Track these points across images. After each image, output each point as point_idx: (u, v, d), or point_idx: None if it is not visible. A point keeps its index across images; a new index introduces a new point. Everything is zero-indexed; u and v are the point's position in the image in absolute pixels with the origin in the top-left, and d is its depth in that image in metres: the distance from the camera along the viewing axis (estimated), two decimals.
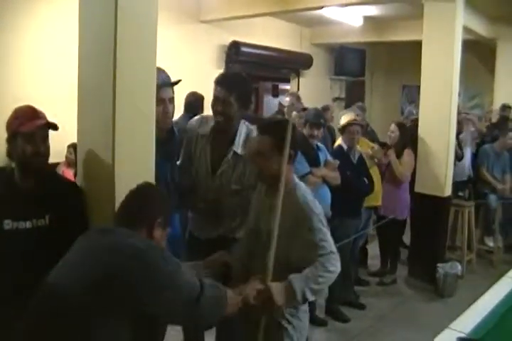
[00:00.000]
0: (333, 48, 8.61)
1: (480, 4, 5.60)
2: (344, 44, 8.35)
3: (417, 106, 5.50)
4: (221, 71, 6.01)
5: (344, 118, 4.15)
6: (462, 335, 1.98)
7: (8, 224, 1.90)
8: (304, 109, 4.49)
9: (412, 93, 8.99)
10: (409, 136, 4.78)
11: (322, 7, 5.39)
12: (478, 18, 6.10)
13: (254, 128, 2.52)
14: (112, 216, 1.98)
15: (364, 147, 4.53)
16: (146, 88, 2.13)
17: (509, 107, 6.49)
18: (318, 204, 2.10)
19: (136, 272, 1.51)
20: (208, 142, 2.62)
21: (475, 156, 5.84)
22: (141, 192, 1.82)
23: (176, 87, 2.48)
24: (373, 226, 4.95)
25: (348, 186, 3.85)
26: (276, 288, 1.86)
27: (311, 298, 1.91)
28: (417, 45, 4.94)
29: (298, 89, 8.11)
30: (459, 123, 5.21)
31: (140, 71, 2.09)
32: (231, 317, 1.86)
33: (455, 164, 5.09)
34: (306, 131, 3.76)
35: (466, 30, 5.33)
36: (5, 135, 1.95)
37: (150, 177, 2.15)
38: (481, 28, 6.28)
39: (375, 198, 4.58)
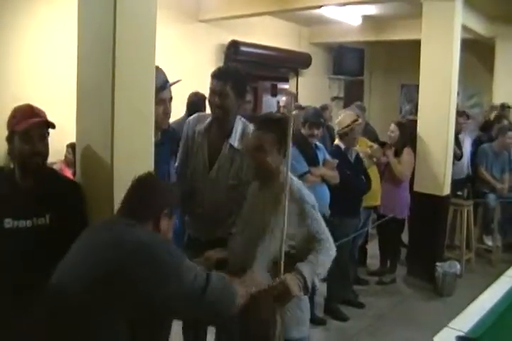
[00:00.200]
0: (332, 47, 8.60)
1: (479, 3, 5.60)
2: (343, 43, 8.34)
3: (415, 106, 5.53)
4: None
5: (343, 121, 4.12)
6: (461, 334, 1.98)
7: (8, 222, 1.90)
8: (302, 108, 4.49)
9: (410, 92, 8.99)
10: (408, 135, 4.78)
11: (321, 6, 5.40)
12: (476, 17, 6.10)
13: (250, 124, 2.56)
14: (111, 215, 1.98)
15: (363, 146, 4.53)
16: (145, 88, 2.13)
17: (508, 107, 6.49)
18: (312, 196, 2.16)
19: (140, 265, 1.50)
20: (205, 138, 2.63)
21: (474, 155, 5.85)
22: (144, 183, 1.78)
23: (174, 87, 2.49)
24: (373, 225, 4.96)
25: (347, 185, 3.86)
26: (291, 279, 1.88)
27: (317, 283, 1.97)
28: (415, 44, 4.94)
29: (297, 88, 8.11)
30: (458, 123, 5.22)
31: (139, 71, 2.09)
32: (231, 318, 1.86)
33: (454, 163, 5.10)
34: (305, 131, 3.77)
35: (465, 29, 5.34)
36: (5, 134, 1.95)
37: None
38: (479, 27, 6.29)
39: (374, 198, 4.58)
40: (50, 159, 2.05)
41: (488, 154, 5.68)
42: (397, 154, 4.71)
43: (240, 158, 2.54)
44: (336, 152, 4.08)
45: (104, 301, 1.48)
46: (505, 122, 6.05)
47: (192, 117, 2.80)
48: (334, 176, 3.74)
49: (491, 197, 5.51)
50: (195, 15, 6.26)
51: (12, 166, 2.01)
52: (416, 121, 5.03)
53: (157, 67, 2.23)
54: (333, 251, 2.05)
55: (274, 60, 7.39)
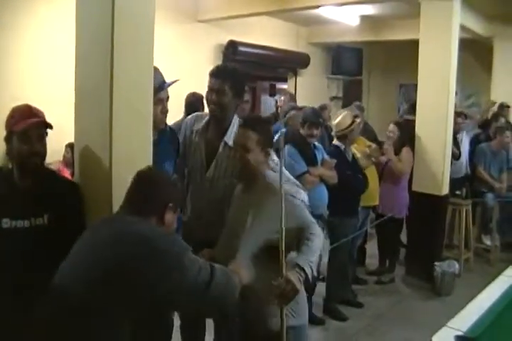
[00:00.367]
0: (330, 47, 8.61)
1: (476, 3, 5.61)
2: (341, 43, 8.35)
3: (411, 106, 5.53)
4: None
5: (343, 122, 4.11)
6: (460, 333, 1.98)
7: (6, 222, 1.90)
8: (299, 109, 4.48)
9: (409, 92, 8.99)
10: (407, 135, 4.78)
11: (319, 6, 5.40)
12: (474, 17, 6.11)
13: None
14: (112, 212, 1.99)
15: (361, 146, 4.53)
16: (144, 88, 2.13)
17: (507, 106, 6.50)
18: (293, 187, 2.26)
19: (141, 258, 1.50)
20: (202, 137, 2.64)
21: (472, 154, 5.85)
22: (147, 178, 1.78)
23: (172, 87, 2.49)
24: (371, 224, 4.96)
25: (347, 184, 3.87)
26: (294, 276, 1.91)
27: (314, 272, 2.01)
28: (414, 44, 4.95)
29: (295, 88, 8.11)
30: (456, 123, 5.22)
31: (137, 71, 2.09)
32: (230, 317, 1.86)
33: (452, 163, 5.10)
34: (304, 131, 3.77)
35: (463, 28, 5.34)
36: (4, 134, 1.95)
37: None
38: (477, 26, 6.29)
39: (373, 198, 4.59)
40: (49, 159, 2.04)
41: (487, 153, 5.68)
42: (396, 154, 4.70)
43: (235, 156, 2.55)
44: (334, 152, 4.09)
45: (104, 301, 1.48)
46: (503, 120, 6.06)
47: (189, 117, 2.81)
48: (332, 176, 3.74)
49: (490, 197, 5.51)
50: (193, 16, 6.26)
51: (10, 166, 2.01)
52: (413, 121, 5.04)
53: (154, 67, 2.23)
54: (320, 232, 2.11)
55: (273, 60, 7.39)
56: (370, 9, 6.58)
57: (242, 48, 6.61)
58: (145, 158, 2.15)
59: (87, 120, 2.19)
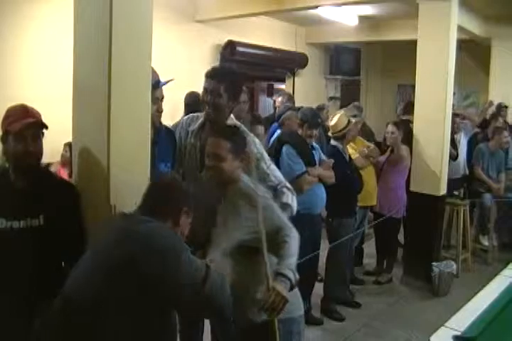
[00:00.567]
0: (329, 48, 8.60)
1: (475, 3, 5.62)
2: (339, 43, 8.35)
3: (406, 106, 5.53)
4: None
5: (340, 123, 4.12)
6: (458, 333, 1.98)
7: (1, 223, 1.89)
8: (296, 109, 4.48)
9: (407, 92, 9.00)
10: (405, 134, 4.79)
11: (317, 6, 5.39)
12: (472, 18, 6.12)
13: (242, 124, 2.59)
14: (107, 215, 1.98)
15: (360, 146, 4.54)
16: (141, 88, 2.13)
17: (505, 106, 6.51)
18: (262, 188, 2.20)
19: (144, 254, 1.54)
20: (197, 138, 2.63)
21: (470, 155, 5.86)
22: (164, 182, 1.89)
23: (170, 87, 2.49)
24: (369, 225, 4.97)
25: (347, 184, 3.89)
26: (279, 285, 1.90)
27: (296, 275, 1.98)
28: (412, 45, 4.95)
29: (293, 88, 8.10)
30: (454, 123, 5.23)
31: (135, 70, 2.09)
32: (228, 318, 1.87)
33: (449, 163, 5.11)
34: (303, 131, 3.77)
35: (461, 29, 5.34)
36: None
37: (145, 176, 2.15)
38: (475, 27, 6.30)
39: (371, 198, 4.60)
40: (48, 159, 2.04)
41: (485, 154, 5.69)
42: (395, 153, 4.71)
43: None
44: (332, 152, 4.10)
45: (113, 300, 1.51)
46: (501, 121, 6.07)
47: (185, 117, 2.80)
48: (330, 176, 3.75)
49: (487, 197, 5.52)
50: (191, 16, 6.25)
51: (7, 166, 2.00)
52: (408, 121, 5.04)
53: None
54: (296, 236, 2.09)
55: (271, 60, 7.38)
56: (368, 9, 6.58)
57: (240, 48, 6.60)
58: (143, 158, 2.15)
59: (85, 120, 2.19)
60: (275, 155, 3.71)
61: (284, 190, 2.45)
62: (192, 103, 4.38)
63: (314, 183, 3.65)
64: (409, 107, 5.31)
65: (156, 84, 2.35)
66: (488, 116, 6.41)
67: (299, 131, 3.82)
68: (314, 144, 3.90)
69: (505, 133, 5.67)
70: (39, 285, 1.88)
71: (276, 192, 2.41)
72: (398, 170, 4.75)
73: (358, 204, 4.31)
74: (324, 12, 6.24)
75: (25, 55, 4.60)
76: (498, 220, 5.65)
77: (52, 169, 4.15)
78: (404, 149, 4.73)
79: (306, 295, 3.93)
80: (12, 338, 1.82)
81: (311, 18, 6.98)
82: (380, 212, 4.73)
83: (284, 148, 3.70)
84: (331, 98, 8.91)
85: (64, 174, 4.09)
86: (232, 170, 2.16)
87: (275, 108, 5.92)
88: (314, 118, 3.86)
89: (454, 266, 4.66)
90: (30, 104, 2.00)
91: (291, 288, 1.95)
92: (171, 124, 2.84)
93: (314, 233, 3.75)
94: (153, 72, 2.35)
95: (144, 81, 2.14)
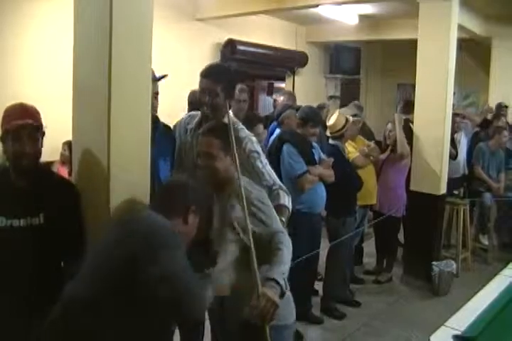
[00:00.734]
0: (329, 46, 8.60)
1: (475, 3, 5.61)
2: (339, 42, 8.34)
3: (405, 106, 5.53)
4: None
5: (338, 123, 4.12)
6: (458, 333, 1.98)
7: (2, 221, 1.89)
8: (296, 109, 4.47)
9: (407, 92, 9.00)
10: (405, 134, 4.78)
11: (317, 5, 5.39)
12: (473, 17, 6.11)
13: (239, 122, 2.59)
14: (107, 214, 1.98)
15: (360, 145, 4.54)
16: (142, 86, 2.12)
17: (505, 106, 6.50)
18: (256, 191, 2.15)
19: (139, 253, 1.56)
20: (195, 136, 2.62)
21: (470, 154, 5.86)
22: (175, 181, 2.01)
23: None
24: (369, 224, 4.97)
25: (348, 183, 3.89)
26: (270, 291, 1.85)
27: (287, 284, 1.93)
28: (412, 44, 4.95)
29: (293, 87, 8.10)
30: (454, 122, 5.23)
31: (135, 70, 2.08)
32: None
33: (449, 162, 5.10)
34: (305, 130, 3.76)
35: (461, 28, 5.34)
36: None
37: (145, 176, 2.15)
38: (476, 26, 6.30)
39: (370, 197, 4.60)
40: (48, 158, 2.04)
41: (485, 153, 5.69)
42: (395, 152, 4.71)
43: None
44: (332, 150, 4.10)
45: (112, 310, 1.52)
46: (504, 120, 6.07)
47: (185, 116, 2.81)
48: (330, 175, 3.75)
49: (487, 196, 5.52)
50: (191, 14, 6.25)
51: (8, 165, 2.00)
52: (408, 120, 5.05)
53: None
54: (289, 244, 2.04)
55: (271, 58, 7.38)
56: (368, 8, 6.58)
57: (240, 47, 6.60)
58: (143, 156, 2.15)
59: (85, 119, 2.18)
60: (275, 153, 3.71)
61: (280, 192, 2.43)
62: (195, 101, 4.37)
63: (316, 182, 3.66)
64: (408, 106, 5.31)
65: (152, 78, 2.35)
66: (488, 116, 6.40)
67: (298, 130, 3.82)
68: (314, 143, 3.90)
69: (505, 132, 5.67)
70: (39, 285, 1.88)
71: (270, 192, 2.40)
72: (398, 169, 4.75)
73: (358, 203, 4.31)
74: (324, 11, 6.23)
75: (26, 53, 4.60)
76: (498, 219, 5.65)
77: (52, 168, 4.16)
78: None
79: (307, 294, 3.93)
80: (12, 338, 1.82)
81: (312, 16, 6.97)
82: (380, 211, 4.73)
83: (285, 147, 3.69)
84: (331, 97, 8.90)
85: (64, 172, 4.09)
86: (226, 168, 2.14)
87: (275, 107, 5.92)
88: (317, 116, 3.88)
89: (454, 266, 4.66)
90: (30, 102, 2.00)
91: (282, 295, 1.90)
92: (173, 123, 2.84)
93: (314, 232, 3.75)
94: None
95: (144, 81, 2.13)
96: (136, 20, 2.07)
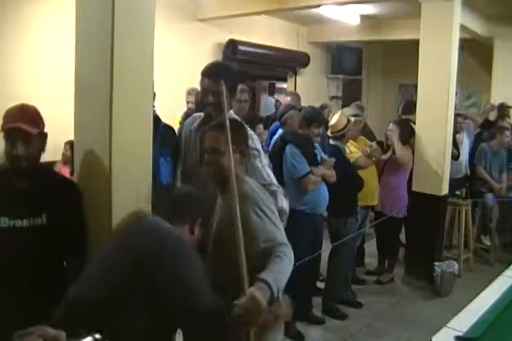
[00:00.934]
0: (330, 47, 8.60)
1: (477, 3, 5.60)
2: (341, 42, 8.34)
3: (407, 106, 5.52)
4: None
5: (340, 123, 4.13)
6: (460, 334, 1.98)
7: (4, 222, 1.89)
8: (298, 109, 4.47)
9: (409, 92, 8.99)
10: (407, 134, 4.78)
11: (319, 5, 5.38)
12: (475, 17, 6.10)
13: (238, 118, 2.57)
14: (108, 215, 1.98)
15: (362, 145, 4.53)
16: (143, 86, 2.12)
17: (508, 107, 6.48)
18: (266, 197, 2.05)
19: (148, 262, 1.57)
20: (198, 135, 2.62)
21: (473, 155, 5.85)
22: (184, 192, 2.03)
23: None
24: (371, 224, 4.96)
25: (349, 183, 3.89)
26: (259, 293, 1.66)
27: (281, 294, 1.78)
28: (414, 44, 4.94)
29: (295, 87, 8.10)
30: (456, 122, 5.22)
31: (137, 68, 2.08)
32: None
33: (451, 163, 5.10)
34: (309, 130, 3.75)
35: (463, 28, 5.33)
36: None
37: (147, 176, 2.15)
38: (478, 26, 6.28)
39: (372, 197, 4.59)
40: (50, 158, 2.03)
41: (487, 153, 5.68)
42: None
43: None
44: (334, 151, 4.09)
45: (120, 313, 1.53)
46: (508, 120, 6.06)
47: (189, 118, 2.82)
48: (332, 175, 3.75)
49: (489, 197, 5.51)
50: (193, 15, 6.25)
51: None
52: (409, 120, 5.04)
53: None
54: (292, 258, 1.88)
55: (272, 59, 7.38)
56: (370, 9, 6.57)
57: (241, 47, 6.60)
58: (145, 157, 2.15)
59: (87, 118, 2.18)
60: (278, 154, 3.71)
61: (278, 193, 2.42)
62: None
63: (319, 183, 3.66)
64: (409, 107, 5.30)
65: None
66: (490, 117, 6.39)
67: (301, 130, 3.82)
68: (315, 143, 3.90)
69: (507, 132, 5.66)
70: (40, 285, 1.88)
71: (268, 191, 2.38)
72: (400, 170, 4.74)
73: (360, 203, 4.31)
74: (326, 11, 6.24)
75: (27, 54, 4.62)
76: (500, 220, 5.64)
77: (54, 167, 4.16)
78: (405, 148, 4.71)
79: (308, 295, 3.93)
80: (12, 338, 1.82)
81: (313, 17, 6.97)
82: (382, 212, 4.73)
83: (288, 148, 3.69)
84: (333, 97, 8.91)
85: (65, 172, 4.09)
86: (230, 166, 1.96)
87: (277, 107, 5.92)
88: (320, 116, 3.89)
89: (456, 266, 4.65)
90: (31, 102, 2.00)
91: (271, 303, 1.71)
92: (174, 123, 2.84)
93: (317, 232, 3.75)
94: None
95: (146, 79, 2.13)
96: (138, 21, 2.07)
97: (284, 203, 2.41)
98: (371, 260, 5.20)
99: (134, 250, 1.59)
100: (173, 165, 2.69)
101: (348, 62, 8.64)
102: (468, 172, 5.87)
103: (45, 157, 2.01)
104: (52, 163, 4.04)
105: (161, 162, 2.51)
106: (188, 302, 1.60)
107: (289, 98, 5.55)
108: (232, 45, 6.55)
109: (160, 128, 2.57)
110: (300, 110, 4.19)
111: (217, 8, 6.07)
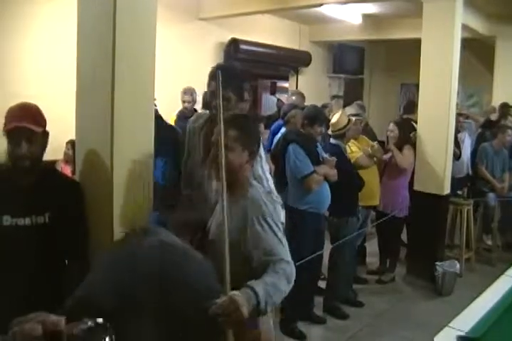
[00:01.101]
0: (332, 46, 8.60)
1: (479, 2, 5.60)
2: (343, 42, 8.34)
3: (408, 106, 5.52)
4: None
5: (341, 121, 4.13)
6: (461, 334, 1.97)
7: (7, 220, 1.89)
8: (301, 108, 4.47)
9: (410, 91, 8.98)
10: (407, 134, 4.77)
11: (321, 4, 5.39)
12: (477, 16, 6.10)
13: None
14: (110, 213, 1.98)
15: (364, 145, 4.53)
16: (145, 86, 2.12)
17: (510, 106, 6.47)
18: (273, 208, 1.94)
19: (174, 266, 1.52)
20: (202, 134, 2.62)
21: (474, 154, 5.85)
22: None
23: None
24: (372, 224, 4.96)
25: (350, 182, 3.88)
26: (240, 297, 1.58)
27: (269, 309, 1.69)
28: (416, 43, 4.94)
29: (296, 86, 8.10)
30: (458, 122, 5.22)
31: (138, 68, 2.08)
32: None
33: (453, 162, 5.09)
34: (312, 129, 3.75)
35: (465, 28, 5.33)
36: None
37: (148, 176, 2.15)
38: (480, 26, 6.28)
39: (374, 197, 4.58)
40: (51, 156, 2.03)
41: (489, 153, 5.67)
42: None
43: None
44: (334, 150, 4.09)
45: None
46: (511, 120, 6.06)
47: (193, 117, 2.81)
48: (334, 174, 3.74)
49: (491, 197, 5.50)
50: (195, 14, 6.25)
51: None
52: (410, 120, 5.03)
53: None
54: (292, 275, 1.78)
55: (274, 58, 7.38)
56: (372, 8, 6.57)
57: (243, 46, 6.60)
58: (146, 156, 2.15)
59: (88, 117, 2.18)
60: (281, 152, 3.71)
61: (276, 204, 2.39)
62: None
63: (322, 182, 3.66)
64: (411, 106, 5.30)
65: None
66: (492, 117, 6.38)
67: (303, 129, 3.82)
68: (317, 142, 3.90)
69: (509, 131, 5.65)
70: (42, 283, 1.88)
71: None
72: (401, 170, 4.74)
73: (361, 204, 4.30)
74: (328, 10, 6.24)
75: (28, 53, 4.62)
76: (502, 220, 5.63)
77: (56, 166, 4.16)
78: (405, 152, 4.70)
79: (309, 294, 3.93)
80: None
81: (315, 16, 6.97)
82: (383, 211, 4.73)
83: (291, 147, 3.68)
84: (334, 96, 8.89)
85: (67, 171, 4.09)
86: (241, 164, 1.92)
87: (278, 106, 5.92)
88: (322, 115, 3.89)
89: (458, 266, 4.65)
90: (33, 101, 2.00)
91: (257, 313, 1.64)
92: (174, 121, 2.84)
93: (319, 232, 3.75)
94: None
95: (147, 79, 2.13)
96: (140, 20, 2.07)
97: (282, 216, 2.39)
98: (373, 259, 5.20)
99: (147, 265, 1.55)
100: (173, 165, 2.69)
101: (349, 61, 8.64)
102: (470, 172, 5.87)
103: (46, 156, 2.01)
104: (53, 162, 4.04)
105: (158, 162, 2.50)
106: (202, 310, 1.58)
107: (293, 97, 5.55)
108: (233, 44, 6.55)
109: (161, 127, 2.57)
110: (303, 109, 4.19)
111: (219, 7, 6.07)
